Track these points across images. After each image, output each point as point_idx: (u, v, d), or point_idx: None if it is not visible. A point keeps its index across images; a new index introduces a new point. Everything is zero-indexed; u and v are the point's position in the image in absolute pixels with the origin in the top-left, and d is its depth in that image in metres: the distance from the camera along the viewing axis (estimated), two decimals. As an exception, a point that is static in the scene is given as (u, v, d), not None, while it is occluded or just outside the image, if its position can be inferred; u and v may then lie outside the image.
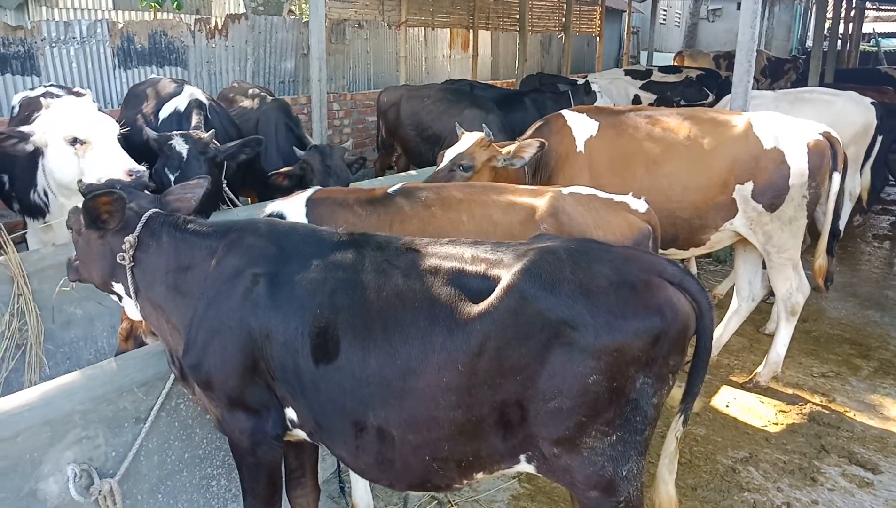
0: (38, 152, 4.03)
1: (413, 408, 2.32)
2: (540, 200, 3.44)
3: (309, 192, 3.57)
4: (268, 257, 2.53)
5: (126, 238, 2.61)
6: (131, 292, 2.68)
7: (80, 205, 2.65)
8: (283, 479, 2.92)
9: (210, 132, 4.46)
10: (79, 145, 3.78)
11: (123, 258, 2.61)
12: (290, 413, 2.57)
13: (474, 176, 4.30)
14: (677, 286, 2.28)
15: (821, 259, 4.98)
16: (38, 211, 4.29)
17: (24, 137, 3.86)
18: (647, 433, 2.31)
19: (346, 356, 2.36)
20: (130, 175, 3.67)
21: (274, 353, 2.45)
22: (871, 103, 6.98)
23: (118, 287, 2.74)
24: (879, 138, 7.08)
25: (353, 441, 2.44)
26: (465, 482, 2.47)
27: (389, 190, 3.59)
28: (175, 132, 4.35)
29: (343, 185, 4.93)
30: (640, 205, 3.53)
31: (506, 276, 2.26)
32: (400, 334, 2.32)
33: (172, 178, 4.11)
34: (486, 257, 2.38)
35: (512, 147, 4.47)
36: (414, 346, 2.29)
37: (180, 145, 4.19)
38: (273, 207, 3.51)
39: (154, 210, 2.72)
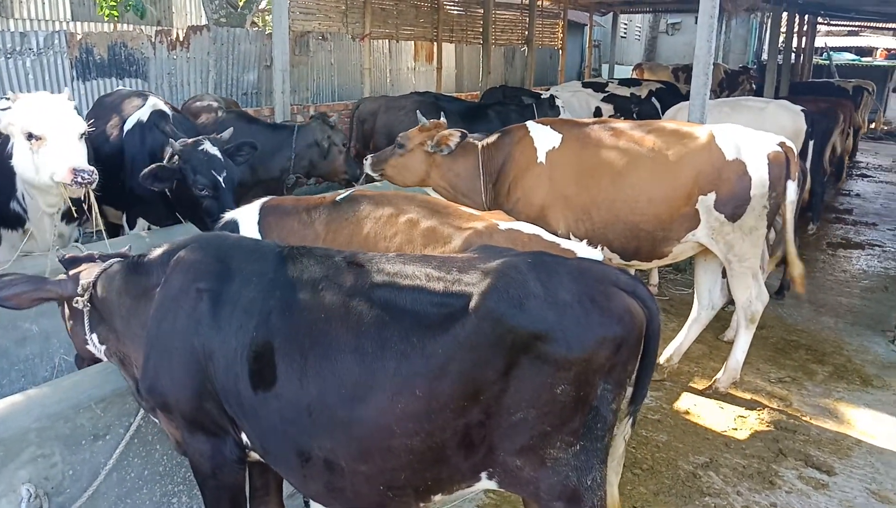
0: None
1: (363, 438, 2.24)
2: (460, 232, 3.35)
3: (263, 200, 3.63)
4: (211, 274, 2.47)
5: (80, 283, 2.60)
6: (87, 331, 2.66)
7: None
8: (248, 498, 2.88)
9: (228, 130, 4.62)
10: (34, 141, 3.75)
11: (78, 303, 2.59)
12: (244, 436, 2.52)
13: (406, 155, 4.96)
14: (630, 295, 2.34)
15: (795, 267, 5.05)
16: (18, 221, 4.23)
17: None
18: (607, 440, 2.35)
19: (282, 384, 2.28)
20: (74, 174, 3.63)
21: (217, 375, 2.38)
22: (801, 110, 7.49)
23: (94, 338, 2.70)
24: (811, 143, 7.55)
25: (300, 470, 2.38)
26: (422, 505, 2.44)
27: (337, 198, 3.64)
28: (201, 137, 4.41)
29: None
30: (593, 255, 3.23)
31: (470, 296, 2.23)
32: (342, 359, 2.23)
33: (221, 178, 4.21)
34: (441, 275, 2.33)
35: (438, 136, 4.88)
36: (359, 372, 2.21)
37: (212, 148, 4.27)
38: (229, 215, 3.58)
39: (116, 260, 2.73)
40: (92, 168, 3.75)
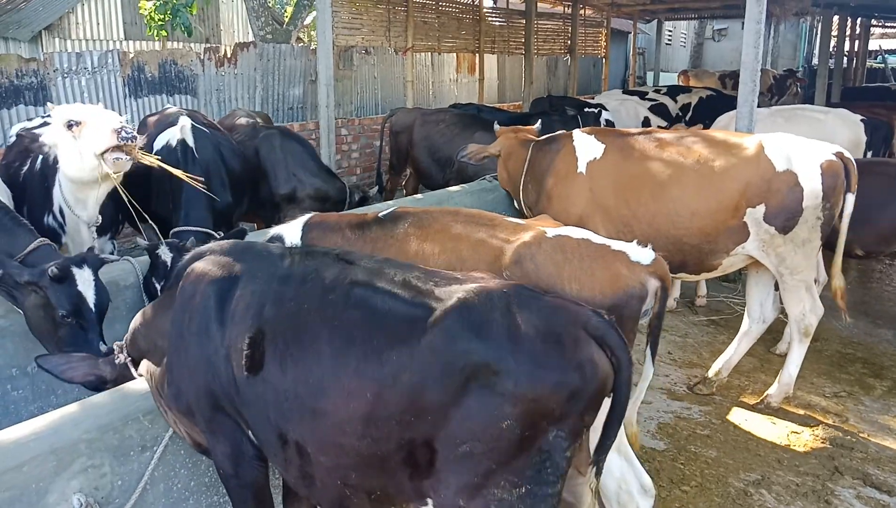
0: (49, 172, 4.20)
1: (322, 430, 2.32)
2: (510, 244, 3.28)
3: (306, 216, 3.68)
4: (220, 278, 2.60)
5: (115, 345, 2.94)
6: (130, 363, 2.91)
7: None
8: (282, 496, 2.95)
9: (190, 240, 4.37)
10: (75, 127, 3.85)
11: (119, 358, 2.90)
12: (250, 432, 2.60)
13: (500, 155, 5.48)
14: (599, 341, 2.25)
15: (837, 279, 4.89)
16: (54, 236, 4.34)
17: (35, 138, 4.08)
18: (559, 487, 2.27)
19: (268, 369, 2.40)
20: (117, 133, 3.71)
21: (222, 368, 2.51)
22: (861, 120, 7.33)
23: (144, 365, 2.89)
24: (870, 154, 7.37)
25: (281, 453, 2.47)
26: None
27: (380, 214, 3.64)
28: (162, 242, 4.33)
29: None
30: (644, 256, 3.15)
31: (433, 311, 2.23)
32: (314, 351, 2.31)
33: (159, 287, 4.15)
34: (417, 285, 2.36)
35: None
36: (326, 365, 2.28)
37: (165, 254, 4.23)
38: (273, 230, 3.65)
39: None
40: (132, 126, 3.83)
